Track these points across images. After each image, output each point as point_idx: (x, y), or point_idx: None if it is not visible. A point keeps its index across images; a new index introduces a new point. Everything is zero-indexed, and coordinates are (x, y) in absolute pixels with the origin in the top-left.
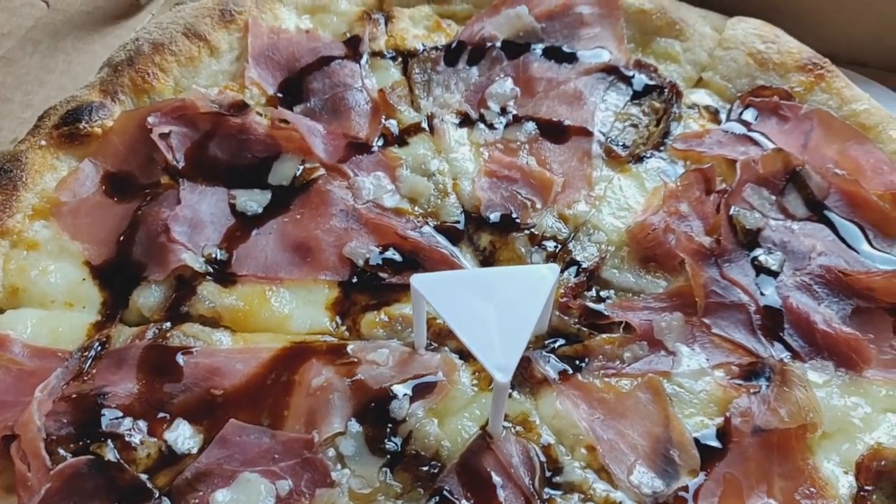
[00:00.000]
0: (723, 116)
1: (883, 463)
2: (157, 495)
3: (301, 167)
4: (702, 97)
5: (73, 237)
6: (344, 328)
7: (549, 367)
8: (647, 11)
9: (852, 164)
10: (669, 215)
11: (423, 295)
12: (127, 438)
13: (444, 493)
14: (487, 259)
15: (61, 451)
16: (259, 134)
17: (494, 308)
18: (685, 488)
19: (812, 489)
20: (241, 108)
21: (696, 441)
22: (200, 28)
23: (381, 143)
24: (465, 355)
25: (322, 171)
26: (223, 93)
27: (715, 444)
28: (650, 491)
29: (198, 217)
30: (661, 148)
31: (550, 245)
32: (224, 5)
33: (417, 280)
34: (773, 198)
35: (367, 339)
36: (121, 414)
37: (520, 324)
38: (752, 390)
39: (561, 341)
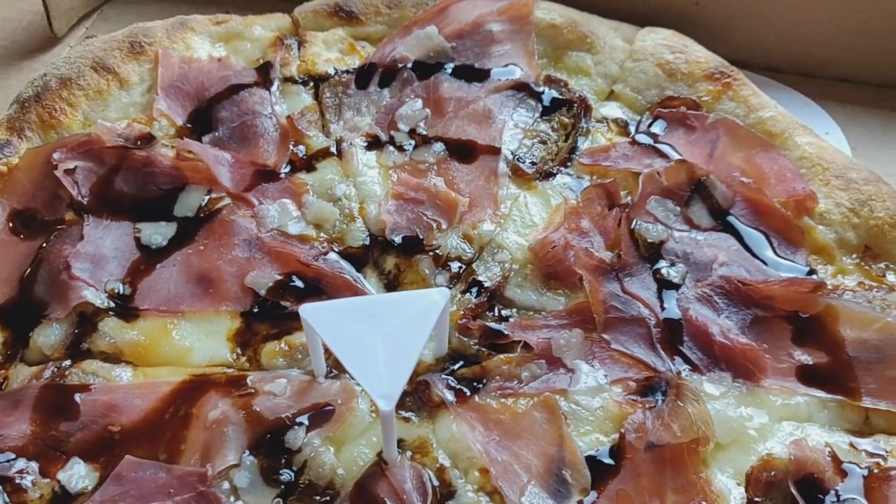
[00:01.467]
0: (632, 129)
1: (773, 473)
2: None
3: (207, 197)
4: (612, 110)
5: None
6: (244, 359)
7: (447, 390)
8: (558, 26)
9: (757, 171)
10: (570, 232)
11: (311, 324)
12: (18, 481)
13: None
14: (392, 282)
15: None
16: (164, 166)
17: (382, 336)
18: None
19: (704, 503)
20: (147, 140)
21: (591, 459)
22: (109, 61)
23: (288, 169)
24: None
25: (228, 201)
26: (131, 126)
27: (609, 461)
28: None
29: (101, 252)
30: (569, 164)
31: (455, 266)
32: (134, 37)
33: (305, 310)
34: (678, 209)
35: (267, 370)
36: (13, 456)
37: (407, 351)
38: (647, 406)
39: (461, 363)
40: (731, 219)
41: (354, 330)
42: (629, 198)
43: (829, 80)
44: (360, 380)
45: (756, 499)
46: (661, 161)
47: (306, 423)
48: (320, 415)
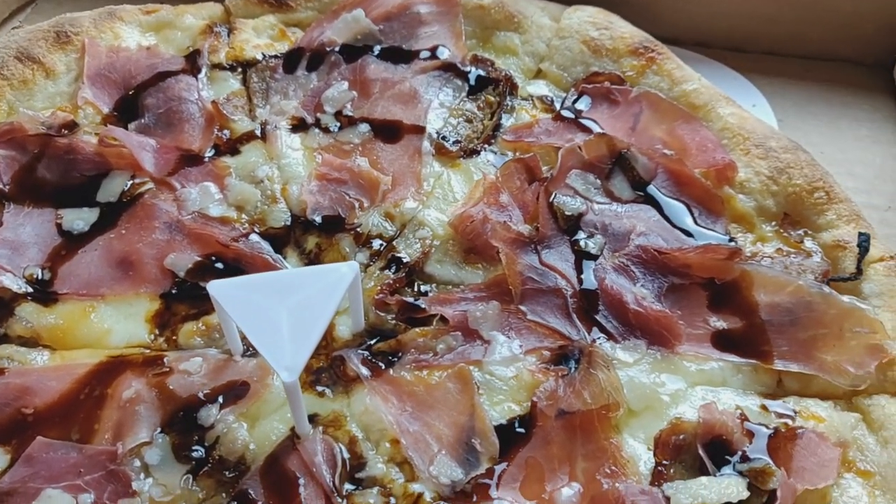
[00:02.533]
0: (557, 106)
1: (682, 437)
2: None
3: (130, 182)
4: (539, 88)
5: None
6: (162, 339)
7: (362, 365)
8: (486, 7)
9: (679, 143)
10: (488, 206)
11: (218, 300)
12: None
13: (246, 494)
14: (313, 261)
15: None
16: (87, 153)
17: (288, 309)
18: (488, 475)
19: (614, 468)
20: (70, 128)
21: (502, 428)
22: (35, 51)
23: (213, 153)
24: None
25: (151, 185)
26: (54, 114)
27: (520, 430)
28: (448, 481)
29: (20, 239)
30: (493, 141)
31: (376, 244)
32: (60, 27)
33: (213, 286)
34: (599, 182)
35: (184, 349)
36: None
37: (312, 323)
38: (560, 374)
39: (378, 338)
40: (652, 190)
41: (261, 304)
42: (550, 172)
43: (758, 54)
44: (263, 352)
45: (664, 462)
46: (584, 136)
47: (220, 400)
48: (235, 392)
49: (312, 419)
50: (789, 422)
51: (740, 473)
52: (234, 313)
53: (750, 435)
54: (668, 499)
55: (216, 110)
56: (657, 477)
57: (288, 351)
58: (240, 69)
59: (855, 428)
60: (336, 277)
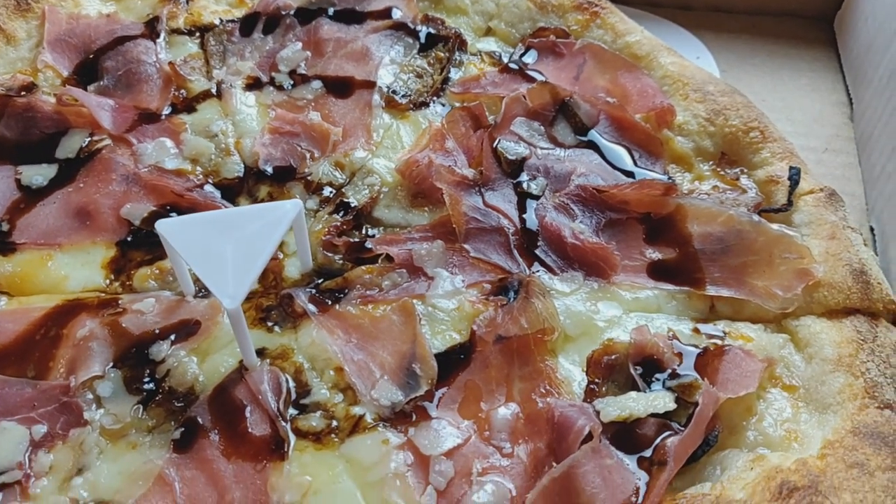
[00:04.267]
0: (505, 60)
1: (614, 357)
2: None
3: (88, 139)
4: (488, 45)
5: None
6: (117, 284)
7: (310, 302)
8: None
9: (621, 91)
10: (434, 151)
11: (165, 237)
12: None
13: (194, 420)
14: None
15: None
16: (46, 111)
17: (233, 244)
18: (427, 397)
19: (549, 388)
20: (30, 89)
21: (444, 355)
22: None
23: (170, 111)
24: None
25: (108, 142)
26: (14, 77)
27: (461, 356)
28: (389, 402)
29: None
30: (441, 94)
31: (327, 191)
32: None
33: (161, 224)
34: (543, 129)
35: (138, 292)
36: None
37: (255, 256)
38: (499, 304)
39: (326, 278)
40: (593, 136)
41: (206, 240)
42: (495, 120)
43: (704, 11)
44: (207, 283)
45: (596, 380)
46: (529, 86)
47: (172, 337)
48: (186, 329)
49: (261, 353)
50: (718, 342)
51: (669, 389)
52: (180, 249)
53: (679, 355)
54: (598, 413)
55: (173, 71)
56: (589, 395)
57: (231, 281)
58: (198, 33)
59: (783, 347)
60: (279, 214)
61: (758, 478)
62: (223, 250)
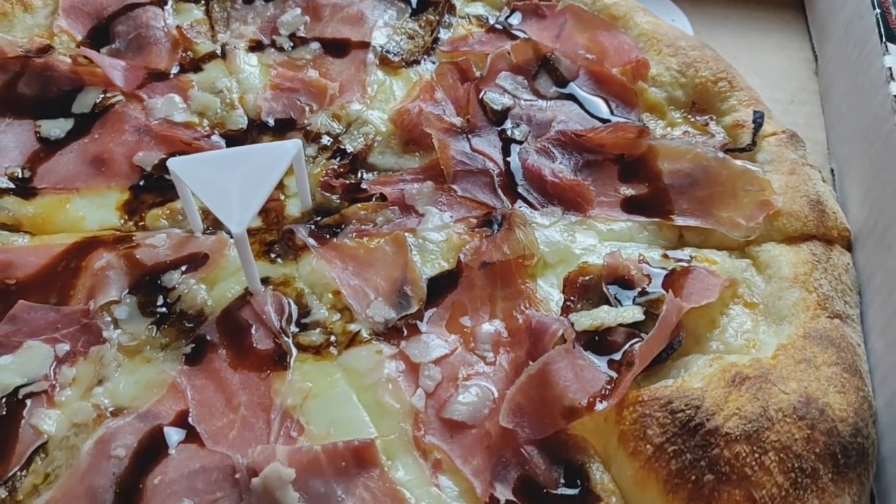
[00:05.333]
0: (491, 21)
1: (589, 277)
2: None
3: (101, 96)
4: (476, 9)
5: None
6: (131, 223)
7: (310, 236)
8: None
9: (599, 47)
10: (424, 101)
11: (176, 173)
12: None
13: (204, 338)
14: None
15: None
16: (63, 71)
17: (238, 178)
18: (417, 315)
19: (528, 305)
20: (46, 51)
21: (433, 280)
22: None
23: (177, 70)
24: None
25: (121, 98)
26: (32, 40)
27: (448, 280)
28: (382, 319)
29: (2, 144)
30: (432, 52)
31: (325, 139)
32: None
33: (172, 162)
34: (526, 82)
35: (151, 230)
36: None
37: (259, 188)
38: (484, 234)
39: (324, 216)
40: (573, 88)
41: (214, 175)
42: (481, 73)
43: None
44: (215, 211)
45: (572, 298)
46: (513, 43)
47: (183, 268)
48: (195, 261)
49: (265, 281)
50: (685, 264)
51: (638, 305)
52: (190, 183)
53: (648, 277)
54: (572, 324)
55: (180, 35)
56: (565, 311)
57: (236, 210)
58: (203, 1)
59: (745, 271)
60: (281, 152)
61: (715, 372)
62: (229, 184)
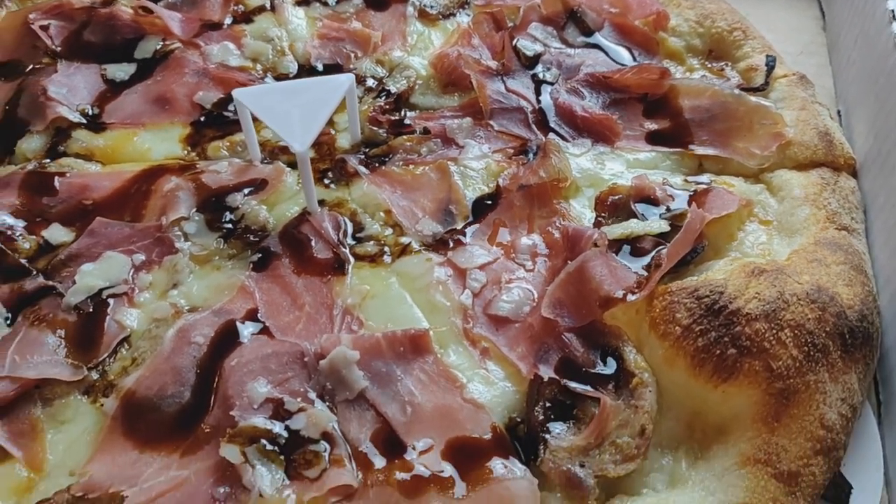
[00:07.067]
0: None
1: (618, 197)
2: (33, 273)
3: (161, 43)
4: None
5: None
6: (194, 154)
7: (360, 164)
8: None
9: (622, 2)
10: (462, 46)
11: (242, 101)
12: (9, 233)
13: (268, 248)
14: None
15: None
16: (125, 20)
17: (299, 106)
18: (461, 232)
19: (563, 222)
20: (110, 3)
21: (475, 202)
22: None
23: (230, 21)
24: (294, 164)
25: (179, 45)
26: None
27: (489, 202)
28: (430, 233)
29: (72, 83)
30: (466, 6)
31: (370, 82)
32: None
33: (238, 92)
34: (555, 32)
35: (212, 160)
36: (7, 214)
37: (318, 114)
38: (521, 162)
39: (372, 147)
40: (598, 38)
41: (277, 103)
42: (513, 22)
43: None
44: (280, 133)
45: (603, 215)
46: None
47: (245, 190)
48: (256, 186)
49: (320, 203)
50: (705, 186)
51: (664, 219)
52: (256, 110)
53: (672, 197)
54: (604, 234)
55: None
56: (597, 226)
57: (299, 132)
58: None
59: (759, 194)
60: (336, 84)
61: (735, 268)
62: (291, 111)
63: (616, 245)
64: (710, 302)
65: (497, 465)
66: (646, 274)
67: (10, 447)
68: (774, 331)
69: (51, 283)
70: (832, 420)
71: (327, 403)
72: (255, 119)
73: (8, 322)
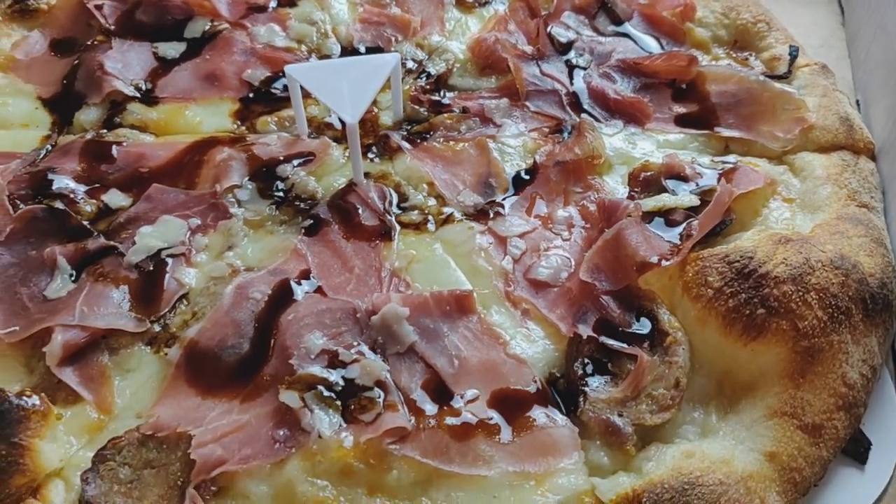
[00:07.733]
0: None
1: (650, 173)
2: (95, 234)
3: (209, 24)
4: None
5: (26, 82)
6: (244, 128)
7: (403, 140)
8: None
9: None
10: (499, 32)
11: (294, 76)
12: (72, 196)
13: (318, 215)
14: None
15: (21, 205)
16: (175, 2)
17: (348, 82)
18: (501, 204)
19: (598, 196)
20: None
21: (514, 176)
22: None
23: (275, 4)
24: (339, 139)
25: (227, 26)
26: None
27: (526, 177)
28: (472, 203)
29: (126, 60)
30: None
31: (410, 64)
32: None
33: (290, 68)
34: (587, 21)
35: (261, 133)
36: (70, 179)
37: (367, 89)
38: (557, 140)
39: (414, 125)
40: (627, 28)
41: (326, 79)
42: (548, 10)
43: None
44: (332, 105)
45: (635, 190)
46: None
47: (294, 162)
48: (304, 158)
49: (366, 175)
50: (731, 165)
51: (694, 195)
52: (308, 85)
53: (701, 175)
54: (639, 205)
55: None
56: (630, 200)
57: (349, 104)
58: None
59: (783, 174)
60: (383, 62)
61: (763, 237)
62: (341, 85)
63: (649, 217)
64: (741, 266)
65: (539, 413)
66: (678, 243)
67: (81, 390)
68: (801, 293)
69: (112, 243)
70: (854, 379)
71: (379, 356)
72: (302, 95)
73: (73, 278)
